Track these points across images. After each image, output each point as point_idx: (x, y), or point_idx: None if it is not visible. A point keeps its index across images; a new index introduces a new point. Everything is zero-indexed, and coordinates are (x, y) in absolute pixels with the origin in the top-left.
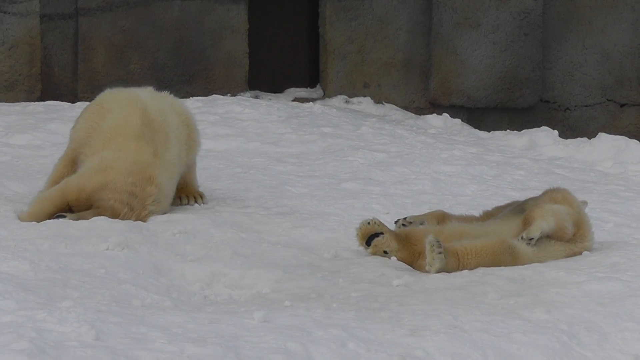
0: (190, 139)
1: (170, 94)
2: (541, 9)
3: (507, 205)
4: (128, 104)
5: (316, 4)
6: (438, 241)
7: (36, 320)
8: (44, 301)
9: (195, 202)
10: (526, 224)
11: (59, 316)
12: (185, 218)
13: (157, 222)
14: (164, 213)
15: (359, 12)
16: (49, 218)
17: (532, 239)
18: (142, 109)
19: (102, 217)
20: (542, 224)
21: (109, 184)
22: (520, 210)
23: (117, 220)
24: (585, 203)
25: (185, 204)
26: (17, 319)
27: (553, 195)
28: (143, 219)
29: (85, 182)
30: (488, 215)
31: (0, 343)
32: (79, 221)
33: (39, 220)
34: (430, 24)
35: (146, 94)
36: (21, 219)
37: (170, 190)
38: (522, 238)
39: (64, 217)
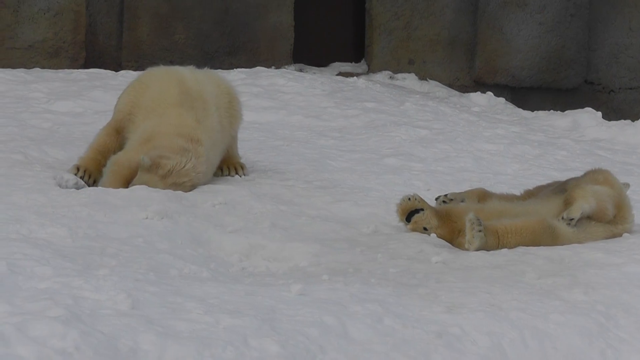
0: (232, 109)
1: (212, 68)
2: None
3: (549, 185)
4: (165, 77)
5: None
6: (478, 219)
7: (72, 287)
8: (81, 268)
9: (237, 173)
10: (567, 204)
11: (95, 284)
12: (226, 189)
13: (196, 193)
14: (205, 183)
15: None
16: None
17: (573, 219)
18: (179, 80)
19: (142, 186)
20: (583, 204)
21: (158, 148)
22: (561, 190)
23: (156, 189)
24: (627, 185)
25: (227, 175)
26: (54, 286)
27: (595, 176)
28: (194, 181)
29: (135, 155)
30: (529, 195)
31: (36, 309)
32: (118, 189)
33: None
34: (476, 2)
35: (185, 69)
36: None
37: (214, 158)
38: (562, 218)
39: None
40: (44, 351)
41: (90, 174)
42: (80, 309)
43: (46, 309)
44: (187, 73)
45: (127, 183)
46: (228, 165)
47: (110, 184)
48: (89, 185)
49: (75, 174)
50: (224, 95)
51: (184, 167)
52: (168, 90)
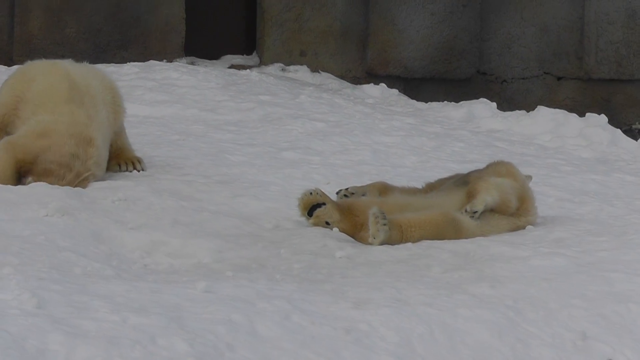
0: (116, 104)
1: (104, 61)
2: None
3: (450, 177)
4: (51, 71)
5: None
6: (382, 213)
7: None
8: None
9: (134, 168)
10: (470, 196)
11: None
12: (125, 185)
13: (96, 189)
14: (102, 179)
15: None
16: (14, 178)
17: (476, 212)
18: (66, 74)
19: (41, 182)
20: (486, 197)
21: (52, 147)
22: (463, 182)
23: (56, 186)
24: (529, 177)
25: (125, 170)
26: None
27: (497, 168)
28: (85, 180)
29: (30, 144)
30: (431, 188)
31: None
32: (18, 186)
33: (9, 182)
34: None
35: (66, 62)
36: None
37: (106, 153)
38: (465, 211)
39: None
40: None
41: None
42: None
43: None
44: (71, 67)
45: (18, 167)
46: (125, 160)
47: (6, 161)
48: None
49: None
50: (108, 90)
51: (71, 176)
52: (57, 85)
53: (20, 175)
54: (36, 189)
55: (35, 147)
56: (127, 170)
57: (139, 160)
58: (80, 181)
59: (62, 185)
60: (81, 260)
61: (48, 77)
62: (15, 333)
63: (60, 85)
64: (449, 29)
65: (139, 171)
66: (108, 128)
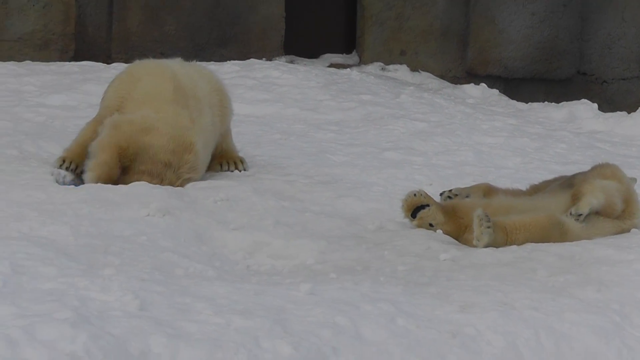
0: (223, 106)
1: (202, 59)
2: None
3: (555, 179)
4: (158, 72)
5: None
6: (487, 215)
7: (78, 287)
8: (86, 268)
9: (236, 168)
10: (575, 199)
11: (101, 284)
12: (227, 185)
13: (198, 189)
14: (199, 180)
15: None
16: (118, 167)
17: (581, 214)
18: (173, 76)
19: (143, 182)
20: (591, 199)
21: (151, 149)
22: (568, 185)
23: (157, 186)
24: (634, 180)
25: (226, 170)
26: (59, 286)
27: (602, 170)
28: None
29: (134, 137)
30: (535, 190)
31: (44, 311)
32: (119, 186)
33: (112, 171)
34: None
35: (174, 63)
36: (95, 174)
37: (206, 157)
38: (570, 214)
39: None
40: (53, 355)
41: (77, 164)
42: (88, 310)
43: (53, 311)
44: (179, 68)
45: (121, 155)
46: (227, 160)
47: (111, 150)
48: (75, 175)
49: (61, 166)
50: (215, 93)
51: (165, 183)
52: (162, 85)
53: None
54: (137, 189)
55: (138, 143)
56: (228, 169)
57: (242, 161)
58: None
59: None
60: (183, 261)
61: (154, 77)
62: (118, 335)
63: (166, 85)
64: (549, 29)
65: (240, 171)
66: (212, 132)
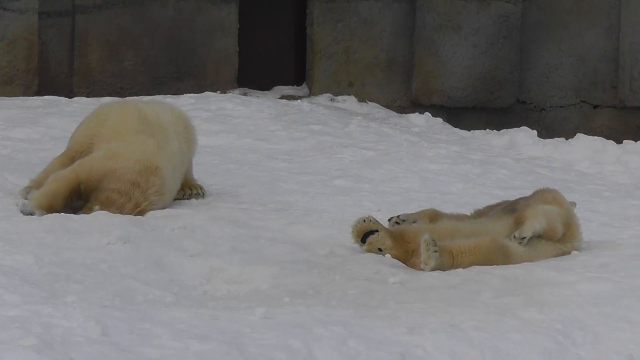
0: (188, 134)
1: (160, 93)
2: (520, 13)
3: (498, 204)
4: (123, 108)
5: (304, 5)
6: (434, 240)
7: (42, 315)
8: (49, 295)
9: (197, 192)
10: (518, 223)
11: (64, 311)
12: (184, 213)
13: (156, 217)
14: (165, 207)
15: (345, 14)
16: (65, 198)
17: (524, 238)
18: (137, 110)
19: (104, 212)
20: (533, 223)
21: (117, 171)
22: (511, 209)
23: (117, 215)
24: (574, 204)
25: (187, 196)
26: (23, 314)
27: (544, 195)
28: (143, 209)
29: (96, 165)
30: (479, 214)
31: (8, 338)
32: (81, 215)
33: (55, 201)
34: (413, 26)
35: (139, 101)
36: (35, 201)
37: (173, 183)
38: (514, 237)
39: None
40: None
41: None
42: (51, 336)
43: (18, 338)
44: (143, 104)
45: (78, 187)
46: (188, 187)
47: (65, 178)
48: None
49: (26, 197)
50: (179, 122)
51: (130, 206)
52: (128, 120)
53: (80, 195)
54: (98, 218)
55: (101, 170)
56: (190, 195)
57: (201, 187)
58: (137, 212)
59: (123, 214)
60: (143, 287)
61: (120, 113)
62: None
63: (131, 119)
64: (490, 60)
65: (201, 195)
66: (180, 159)
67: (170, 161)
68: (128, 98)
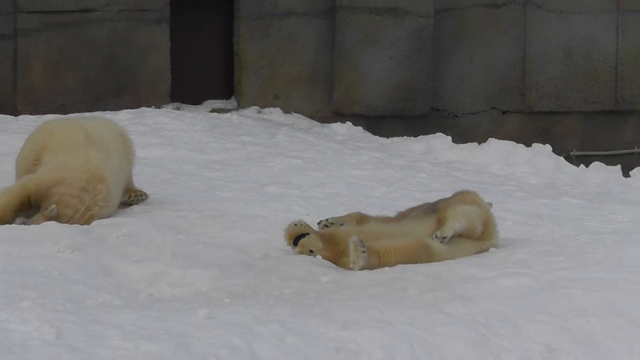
0: (127, 148)
1: (99, 109)
2: (432, 26)
3: (419, 206)
4: (69, 125)
5: (231, 23)
6: (361, 241)
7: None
8: (5, 302)
9: (141, 194)
10: (440, 223)
11: (20, 316)
12: (128, 221)
13: (102, 226)
14: (110, 216)
15: (270, 31)
16: (15, 210)
17: (446, 237)
18: (82, 127)
19: (53, 222)
20: (454, 224)
21: (65, 179)
22: (432, 210)
23: (66, 225)
24: (490, 204)
25: (132, 200)
26: None
27: (463, 196)
28: (93, 214)
29: (44, 177)
30: (402, 216)
31: None
32: (31, 226)
33: (4, 213)
34: (333, 41)
35: (81, 118)
36: None
37: (117, 193)
38: (436, 237)
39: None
40: None
41: None
42: (9, 340)
43: None
44: (85, 121)
45: (27, 200)
46: (134, 192)
47: (14, 192)
48: None
49: None
50: (119, 137)
51: (82, 208)
52: (74, 135)
53: (30, 206)
54: (48, 228)
55: (50, 179)
56: (134, 200)
57: (144, 192)
58: (88, 217)
59: (73, 218)
60: (92, 292)
61: (66, 129)
62: None
63: (77, 134)
64: (406, 71)
65: (145, 197)
66: (121, 171)
67: (113, 174)
68: (71, 115)
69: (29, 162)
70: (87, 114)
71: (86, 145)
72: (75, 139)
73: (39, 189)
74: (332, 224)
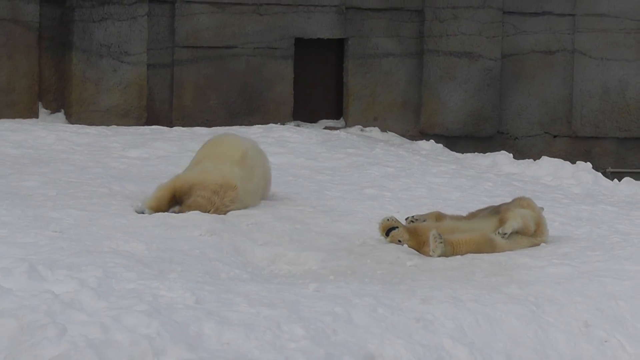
0: (267, 172)
1: (235, 124)
2: (499, 67)
3: (486, 208)
4: (234, 142)
5: (342, 60)
6: (439, 234)
7: (152, 287)
8: (157, 273)
9: None
10: (501, 222)
11: (168, 285)
12: (255, 213)
13: (235, 216)
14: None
15: (372, 67)
16: (168, 202)
17: (506, 234)
18: (245, 147)
19: (196, 211)
20: (513, 223)
21: (203, 182)
22: (496, 212)
23: (206, 214)
24: (542, 208)
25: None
26: (138, 287)
27: (520, 202)
28: (220, 212)
29: (189, 178)
30: (472, 215)
31: (127, 305)
32: (179, 213)
33: (160, 203)
34: (421, 76)
35: (247, 140)
36: (148, 205)
37: (247, 197)
38: (498, 233)
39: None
40: (134, 337)
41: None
42: (159, 304)
43: (134, 305)
44: (248, 142)
45: (174, 194)
46: None
47: (166, 188)
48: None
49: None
50: (265, 162)
51: (211, 209)
52: (233, 152)
53: (176, 200)
54: (192, 216)
55: (192, 180)
56: None
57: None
58: (215, 213)
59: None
60: (226, 267)
61: (230, 145)
62: (181, 322)
63: (236, 152)
64: (477, 102)
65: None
66: (257, 190)
67: (250, 185)
68: (240, 135)
69: (194, 162)
70: (226, 128)
71: (237, 163)
72: (234, 155)
73: (183, 187)
74: (417, 220)
